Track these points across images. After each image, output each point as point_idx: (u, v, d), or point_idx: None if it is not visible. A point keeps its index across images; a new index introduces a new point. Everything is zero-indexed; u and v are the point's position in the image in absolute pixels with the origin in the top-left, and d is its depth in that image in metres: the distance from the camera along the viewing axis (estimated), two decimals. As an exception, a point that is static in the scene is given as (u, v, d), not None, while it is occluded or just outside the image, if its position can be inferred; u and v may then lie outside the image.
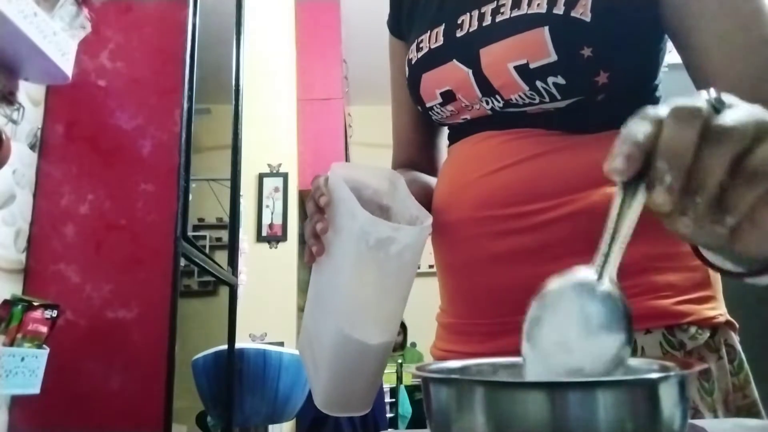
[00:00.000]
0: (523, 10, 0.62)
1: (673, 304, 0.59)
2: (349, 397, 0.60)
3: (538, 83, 0.61)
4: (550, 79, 0.61)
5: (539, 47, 0.60)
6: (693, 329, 0.58)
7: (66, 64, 1.26)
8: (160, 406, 1.18)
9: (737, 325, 0.63)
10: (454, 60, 0.67)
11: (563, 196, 0.62)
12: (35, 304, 1.09)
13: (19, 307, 1.06)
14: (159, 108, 1.38)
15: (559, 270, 0.61)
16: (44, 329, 1.09)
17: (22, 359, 1.04)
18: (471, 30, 0.67)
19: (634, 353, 0.59)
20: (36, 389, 1.06)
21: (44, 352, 1.08)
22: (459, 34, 0.68)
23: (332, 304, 0.58)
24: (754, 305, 1.58)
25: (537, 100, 0.62)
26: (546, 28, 0.60)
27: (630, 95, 0.64)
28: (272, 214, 3.32)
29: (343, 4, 3.99)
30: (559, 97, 0.62)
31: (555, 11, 0.59)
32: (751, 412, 0.59)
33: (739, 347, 0.62)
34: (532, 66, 0.60)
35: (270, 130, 3.36)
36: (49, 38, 1.18)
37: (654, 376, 0.33)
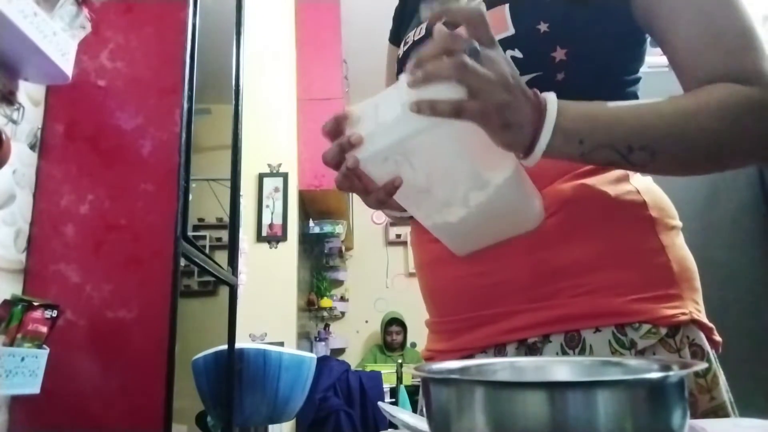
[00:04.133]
0: None
1: (625, 303, 0.58)
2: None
3: None
4: (508, 53, 0.62)
5: (499, 22, 0.62)
6: (646, 327, 0.58)
7: (66, 64, 1.26)
8: (160, 406, 1.18)
9: (710, 326, 0.62)
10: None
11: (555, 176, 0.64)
12: (35, 304, 1.09)
13: (19, 307, 1.06)
14: (159, 108, 1.38)
15: (504, 267, 0.63)
16: (44, 329, 1.09)
17: (22, 359, 1.04)
18: None
19: (581, 352, 0.59)
20: (36, 389, 1.06)
21: (44, 352, 1.08)
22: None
23: (484, 172, 0.55)
24: (738, 310, 1.58)
25: None
26: (507, 6, 0.63)
27: (595, 82, 0.64)
28: (272, 214, 3.31)
29: (343, 4, 3.99)
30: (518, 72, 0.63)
31: None
32: (718, 415, 0.57)
33: (707, 348, 0.60)
34: None
35: (270, 130, 3.36)
36: (49, 38, 1.18)
37: (654, 376, 0.33)
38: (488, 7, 0.64)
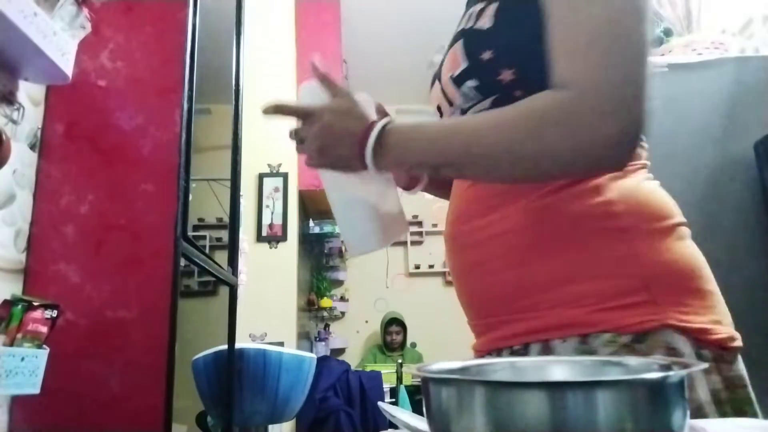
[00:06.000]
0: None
1: (588, 313, 0.61)
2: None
3: (463, 88, 0.70)
4: (468, 83, 0.70)
5: (457, 57, 0.70)
6: (606, 336, 0.59)
7: (66, 64, 1.26)
8: (160, 406, 1.18)
9: (698, 327, 0.60)
10: (437, 80, 0.78)
11: (488, 215, 0.70)
12: (35, 304, 1.09)
13: (19, 307, 1.06)
14: (159, 108, 1.38)
15: (493, 283, 0.69)
16: (44, 329, 1.09)
17: (22, 359, 1.04)
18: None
19: None
20: (36, 389, 1.06)
21: (44, 352, 1.08)
22: (441, 57, 0.80)
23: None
24: (737, 310, 1.59)
25: (470, 104, 0.71)
26: (461, 41, 0.70)
27: None
28: (272, 214, 3.31)
29: (343, 4, 3.99)
30: (481, 97, 0.69)
31: (467, 26, 0.70)
32: (692, 417, 0.58)
33: (688, 351, 0.59)
34: (455, 74, 0.70)
35: (270, 130, 3.36)
36: (49, 38, 1.18)
37: (654, 376, 0.33)
38: (454, 43, 0.71)
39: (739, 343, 0.63)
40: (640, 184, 0.67)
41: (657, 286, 0.61)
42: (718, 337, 0.61)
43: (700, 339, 0.61)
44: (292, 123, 0.80)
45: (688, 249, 0.66)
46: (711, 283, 0.65)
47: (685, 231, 0.67)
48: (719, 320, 0.63)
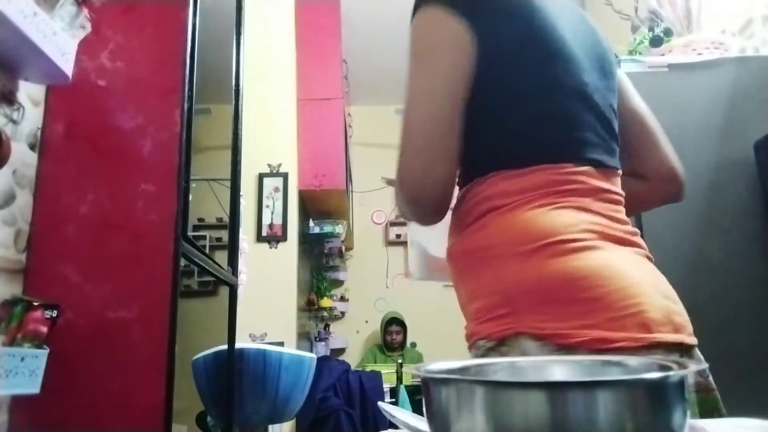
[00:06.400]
0: None
1: (475, 325, 0.78)
2: None
3: None
4: None
5: None
6: (482, 342, 0.75)
7: (66, 64, 1.26)
8: (160, 406, 1.18)
9: (555, 333, 0.67)
10: None
11: (450, 239, 0.87)
12: (35, 304, 1.09)
13: (19, 307, 1.07)
14: (159, 108, 1.38)
15: (468, 292, 0.88)
16: (44, 329, 1.09)
17: (22, 359, 1.04)
18: None
19: None
20: (36, 389, 1.06)
21: (44, 352, 1.08)
22: None
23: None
24: (737, 310, 1.59)
25: None
26: None
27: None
28: (272, 214, 3.31)
29: (343, 4, 3.99)
30: None
31: None
32: None
33: (540, 353, 0.68)
34: None
35: (270, 130, 3.36)
36: (49, 38, 1.18)
37: (654, 376, 0.33)
38: None
39: (625, 344, 0.65)
40: (521, 215, 0.75)
41: (518, 299, 0.72)
42: (576, 341, 0.66)
43: (558, 343, 0.67)
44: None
45: (563, 264, 0.70)
46: (594, 291, 0.68)
47: (568, 247, 0.71)
48: (591, 324, 0.66)
